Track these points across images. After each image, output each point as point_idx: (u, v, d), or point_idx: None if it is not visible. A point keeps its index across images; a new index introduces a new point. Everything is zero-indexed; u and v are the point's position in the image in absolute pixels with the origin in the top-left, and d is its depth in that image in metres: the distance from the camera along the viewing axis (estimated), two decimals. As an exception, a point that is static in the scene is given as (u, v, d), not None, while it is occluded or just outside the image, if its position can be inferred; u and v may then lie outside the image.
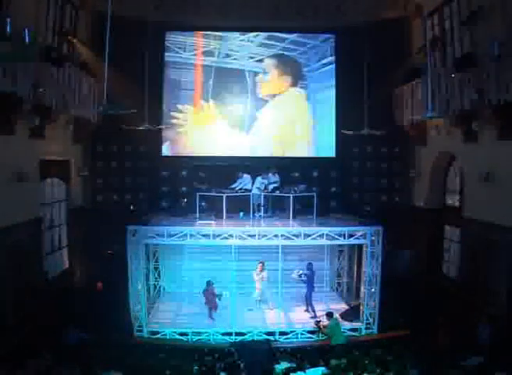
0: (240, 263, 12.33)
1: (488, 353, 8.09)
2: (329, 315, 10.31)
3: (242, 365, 8.20)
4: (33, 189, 10.29)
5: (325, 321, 10.21)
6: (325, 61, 14.73)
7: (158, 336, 10.61)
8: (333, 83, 14.65)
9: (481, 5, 9.61)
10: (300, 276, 11.43)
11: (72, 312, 10.16)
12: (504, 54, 8.53)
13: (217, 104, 14.60)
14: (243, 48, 14.67)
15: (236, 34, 14.65)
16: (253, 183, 12.84)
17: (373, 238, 10.69)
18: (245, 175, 13.03)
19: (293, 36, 14.65)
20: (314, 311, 11.32)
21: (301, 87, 14.78)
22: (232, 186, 12.75)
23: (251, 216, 12.16)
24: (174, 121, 14.48)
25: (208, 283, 11.22)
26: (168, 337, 10.57)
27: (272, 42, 14.69)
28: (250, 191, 12.70)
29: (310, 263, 11.56)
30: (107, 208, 13.65)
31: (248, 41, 14.69)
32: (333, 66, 14.68)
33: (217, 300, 11.19)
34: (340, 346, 9.41)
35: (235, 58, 14.65)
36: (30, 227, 9.90)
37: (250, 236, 10.49)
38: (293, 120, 14.78)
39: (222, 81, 14.59)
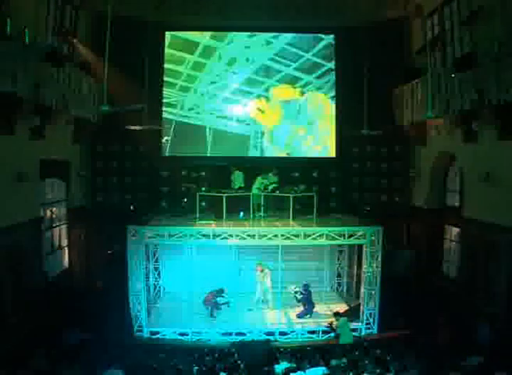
0: (240, 263, 12.39)
1: (488, 353, 8.09)
2: (337, 314, 10.33)
3: (242, 365, 8.20)
4: (33, 189, 10.29)
5: (335, 322, 10.24)
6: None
7: (158, 336, 10.61)
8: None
9: (481, 5, 9.62)
10: (295, 293, 11.38)
11: (72, 312, 10.15)
12: (504, 54, 8.53)
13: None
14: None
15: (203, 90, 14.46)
16: (253, 183, 12.83)
17: (373, 238, 10.69)
18: (237, 172, 13.03)
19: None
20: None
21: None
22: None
23: (251, 216, 12.15)
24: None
25: (220, 291, 11.18)
26: (168, 337, 10.57)
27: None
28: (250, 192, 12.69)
29: (306, 285, 11.45)
30: (107, 208, 13.64)
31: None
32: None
33: (223, 306, 11.18)
34: (344, 346, 9.41)
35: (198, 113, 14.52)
36: (30, 227, 9.90)
37: (250, 236, 10.48)
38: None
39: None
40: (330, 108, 14.62)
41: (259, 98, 14.58)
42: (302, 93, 14.62)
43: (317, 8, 13.62)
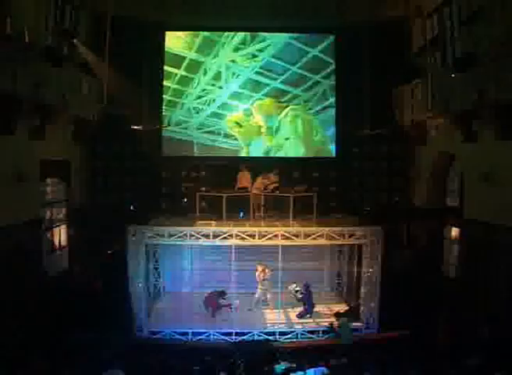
0: (240, 263, 12.36)
1: (488, 353, 8.09)
2: (338, 315, 10.33)
3: (242, 365, 8.20)
4: (33, 189, 10.29)
5: (335, 322, 10.24)
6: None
7: (158, 336, 10.62)
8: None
9: (481, 5, 9.61)
10: (296, 292, 11.36)
11: (72, 312, 10.15)
12: (504, 54, 8.53)
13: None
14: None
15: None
16: (253, 183, 12.83)
17: (373, 238, 10.69)
18: (245, 171, 13.01)
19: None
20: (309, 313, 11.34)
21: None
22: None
23: (251, 216, 12.14)
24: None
25: (222, 293, 11.16)
26: (168, 337, 10.57)
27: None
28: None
29: (307, 284, 11.43)
30: (107, 209, 13.64)
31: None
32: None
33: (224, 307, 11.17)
34: (344, 346, 9.41)
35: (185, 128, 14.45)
36: (30, 227, 9.90)
37: (250, 236, 10.48)
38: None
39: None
40: (311, 123, 14.59)
41: (238, 113, 14.51)
42: (286, 107, 14.55)
43: (317, 8, 13.64)
